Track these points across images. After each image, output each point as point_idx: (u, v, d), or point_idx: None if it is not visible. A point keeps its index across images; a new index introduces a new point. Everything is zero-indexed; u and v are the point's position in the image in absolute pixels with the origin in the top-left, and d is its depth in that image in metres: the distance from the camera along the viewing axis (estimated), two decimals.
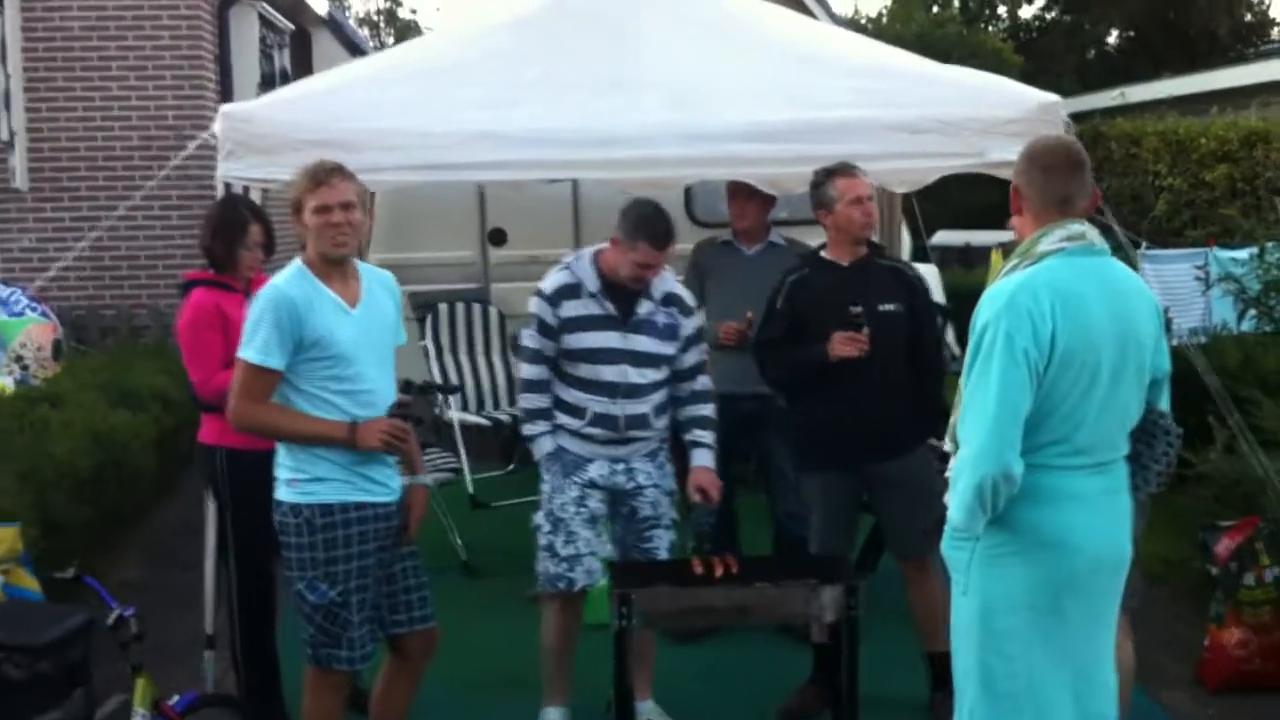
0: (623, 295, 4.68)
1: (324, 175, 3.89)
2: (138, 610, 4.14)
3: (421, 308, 8.39)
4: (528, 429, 4.76)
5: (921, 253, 12.08)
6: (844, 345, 4.78)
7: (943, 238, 15.25)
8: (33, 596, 5.11)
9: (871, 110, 5.44)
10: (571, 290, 4.68)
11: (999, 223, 14.64)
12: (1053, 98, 5.51)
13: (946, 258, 14.50)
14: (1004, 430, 3.19)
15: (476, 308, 8.76)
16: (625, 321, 4.68)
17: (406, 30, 34.06)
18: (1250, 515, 5.42)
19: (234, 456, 4.73)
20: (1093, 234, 3.43)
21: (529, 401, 4.74)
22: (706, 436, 4.85)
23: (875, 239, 5.22)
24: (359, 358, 3.90)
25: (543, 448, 4.72)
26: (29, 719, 4.18)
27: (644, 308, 4.71)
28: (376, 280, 4.08)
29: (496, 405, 8.54)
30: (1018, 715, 3.37)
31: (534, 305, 4.71)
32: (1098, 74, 25.62)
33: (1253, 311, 7.99)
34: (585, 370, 4.67)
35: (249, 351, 3.85)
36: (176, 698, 4.28)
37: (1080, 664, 3.41)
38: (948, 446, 3.41)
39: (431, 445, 8.12)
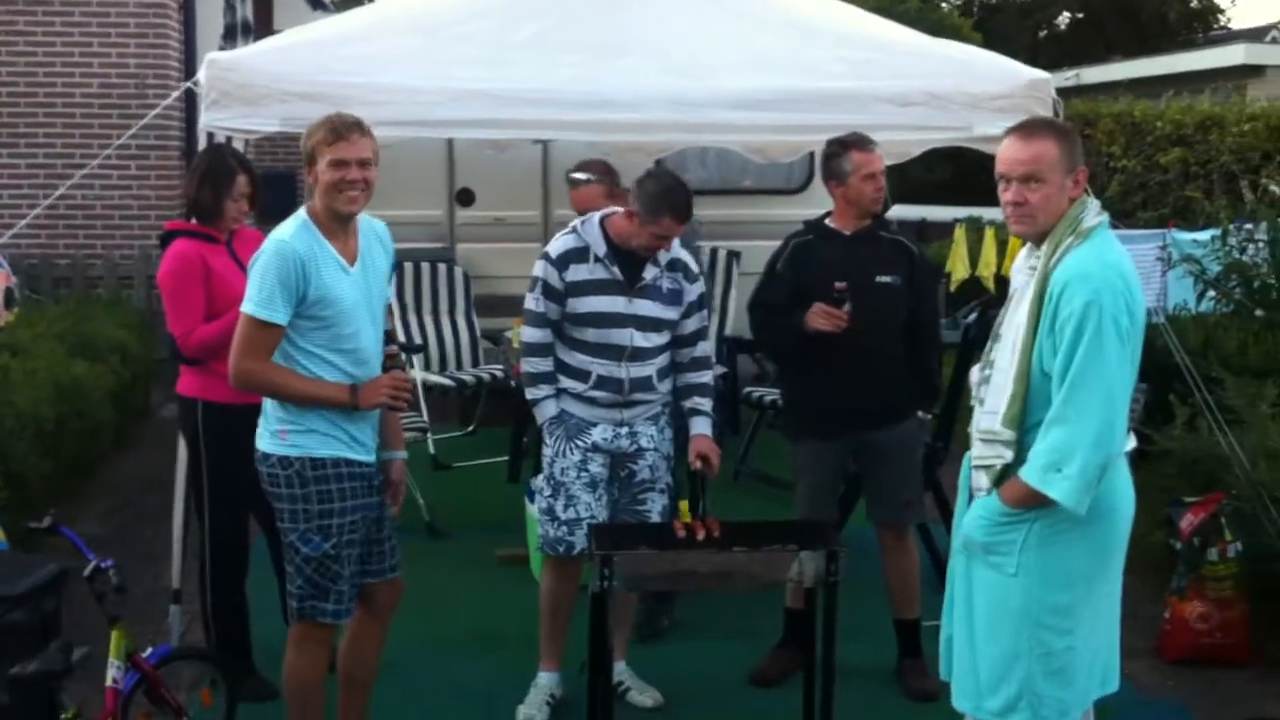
0: (629, 260, 4.68)
1: (344, 129, 3.80)
2: (116, 562, 4.11)
3: None
4: (531, 393, 4.73)
5: None
6: (820, 319, 4.80)
7: (899, 212, 15.32)
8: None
9: (861, 81, 5.47)
10: (579, 254, 4.67)
11: (955, 199, 14.81)
12: (1043, 75, 5.55)
13: (902, 232, 14.57)
14: (1121, 410, 3.26)
15: (442, 267, 8.73)
16: (631, 286, 4.68)
17: None
18: (1213, 491, 5.53)
19: (213, 409, 4.70)
20: None
21: (532, 365, 4.72)
22: (705, 404, 4.87)
23: None
24: (356, 316, 3.86)
25: (546, 411, 4.71)
26: (4, 669, 4.13)
27: (650, 273, 4.71)
28: (373, 232, 4.03)
29: (460, 366, 8.54)
30: (1074, 685, 3.43)
31: (539, 269, 4.68)
32: (1051, 55, 25.83)
33: (1212, 292, 8.13)
34: (591, 334, 4.67)
35: (252, 306, 3.75)
36: (150, 650, 4.26)
37: (1111, 623, 3.51)
38: (1004, 434, 3.37)
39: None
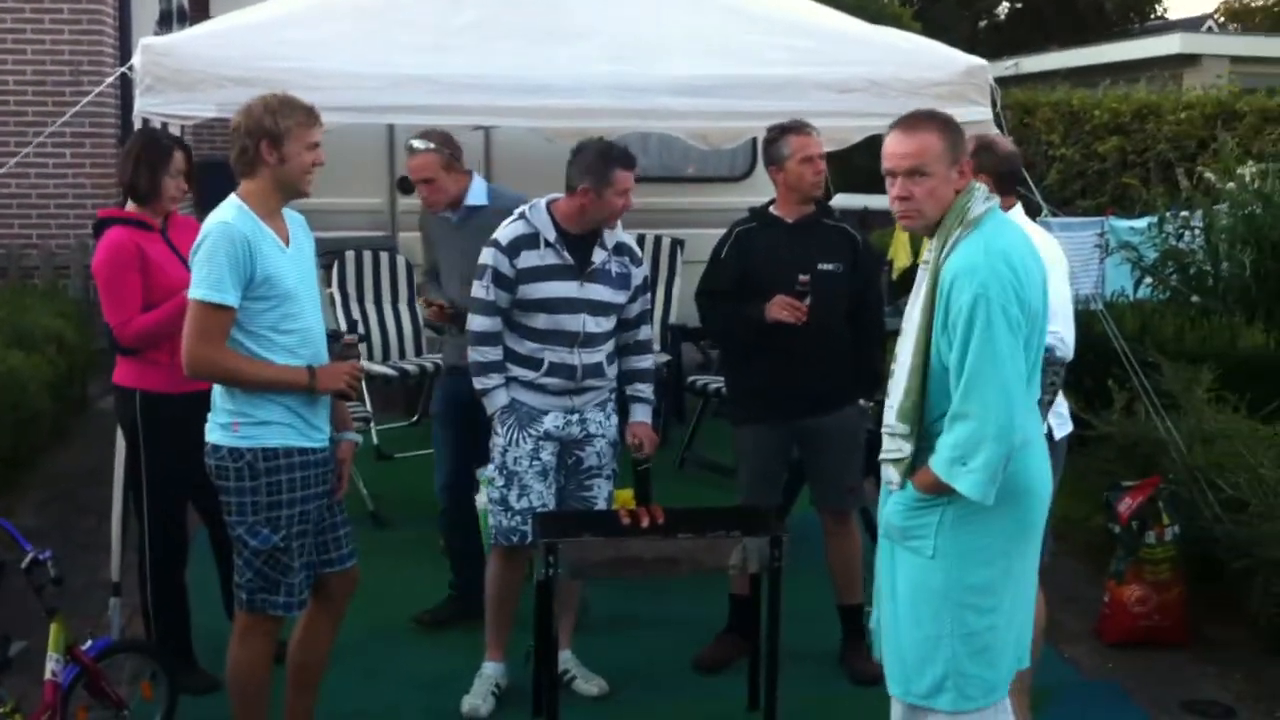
0: (578, 245, 4.67)
1: (316, 113, 3.86)
2: (54, 553, 4.05)
3: (327, 255, 8.26)
4: (481, 382, 4.68)
5: None
6: (782, 310, 4.80)
7: (841, 200, 15.39)
8: None
9: (802, 68, 5.48)
10: (529, 240, 4.64)
11: None
12: (979, 61, 5.59)
13: (845, 220, 14.64)
14: (1017, 401, 3.27)
15: (384, 256, 8.66)
16: (582, 271, 4.67)
17: None
18: (1151, 475, 5.60)
19: (150, 399, 4.65)
20: None
21: (482, 354, 4.67)
22: (646, 390, 4.90)
23: None
24: (300, 296, 3.85)
25: (497, 401, 4.67)
26: None
27: (599, 257, 4.71)
28: (295, 222, 4.02)
29: (403, 355, 8.48)
30: (998, 665, 3.45)
31: (488, 256, 4.64)
32: (990, 45, 26.05)
33: (1149, 279, 8.24)
34: (543, 320, 4.65)
35: (201, 290, 3.70)
36: (90, 642, 4.19)
37: (1029, 602, 3.55)
38: (899, 427, 3.40)
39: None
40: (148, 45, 5.23)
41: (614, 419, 4.86)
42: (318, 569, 4.03)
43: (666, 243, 8.86)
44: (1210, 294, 7.94)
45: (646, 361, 4.94)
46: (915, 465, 3.41)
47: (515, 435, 4.69)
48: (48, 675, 3.92)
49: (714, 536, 4.42)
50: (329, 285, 8.15)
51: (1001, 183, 4.27)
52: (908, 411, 3.37)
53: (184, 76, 5.15)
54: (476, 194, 5.18)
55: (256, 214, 3.81)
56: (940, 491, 3.37)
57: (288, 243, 3.89)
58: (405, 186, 8.99)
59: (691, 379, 8.12)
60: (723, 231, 5.15)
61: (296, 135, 3.79)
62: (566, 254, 4.64)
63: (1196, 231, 8.07)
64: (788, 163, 4.90)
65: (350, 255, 8.44)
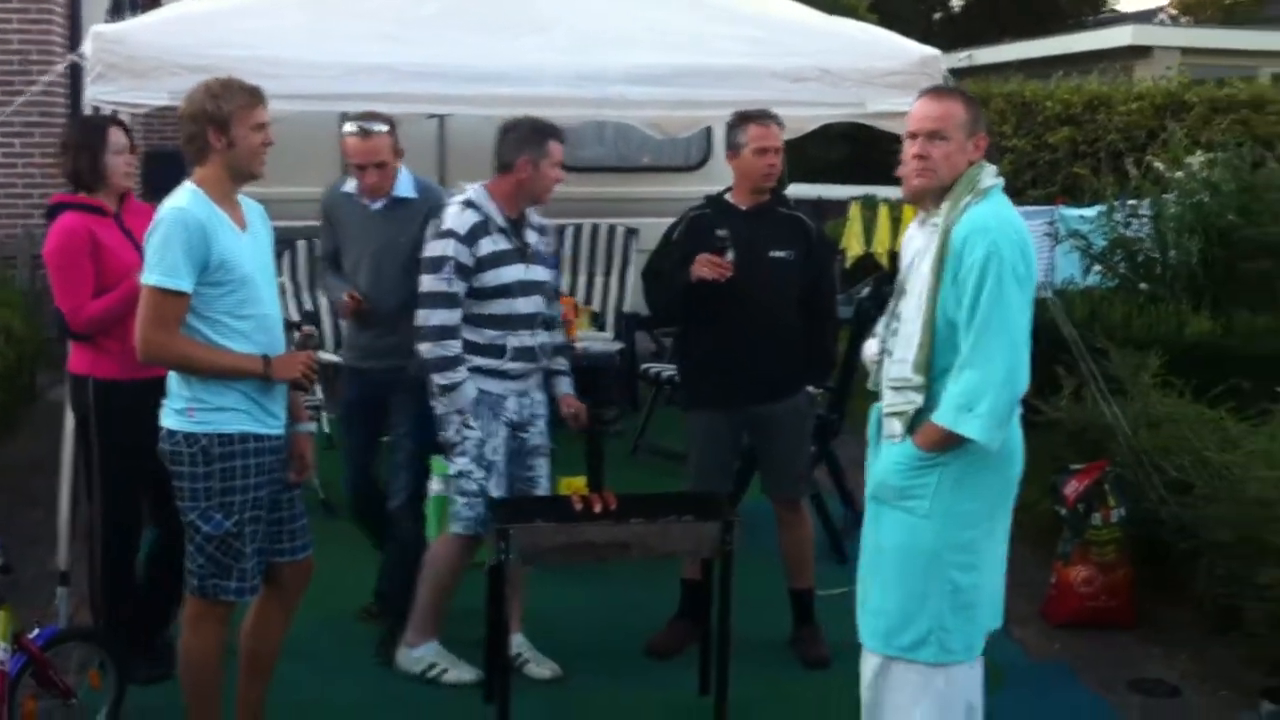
0: (516, 228, 4.72)
1: (260, 93, 3.84)
2: (4, 542, 4.03)
3: (280, 244, 8.20)
4: (450, 377, 4.63)
5: None
6: (704, 267, 4.80)
7: (796, 190, 15.47)
8: None
9: (757, 58, 5.50)
10: (483, 227, 4.65)
11: (851, 177, 14.97)
12: (933, 52, 5.63)
13: (799, 209, 14.72)
14: (1023, 352, 3.42)
15: None
16: (524, 253, 4.71)
17: None
18: (1098, 459, 5.68)
19: (103, 386, 4.62)
20: None
21: (447, 349, 4.62)
22: (564, 364, 5.03)
23: None
24: (256, 281, 3.84)
25: (468, 394, 4.65)
26: None
27: (531, 237, 4.78)
28: (253, 210, 4.01)
29: None
30: (977, 620, 3.60)
31: (447, 248, 4.60)
32: (946, 37, 26.18)
33: (1098, 267, 8.32)
34: (501, 306, 4.67)
35: (155, 276, 3.68)
36: (37, 631, 4.18)
37: (1002, 560, 3.68)
38: (913, 379, 3.50)
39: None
40: (99, 33, 5.19)
41: (544, 395, 4.93)
42: (271, 558, 4.03)
43: (621, 232, 8.87)
44: (1158, 281, 8.02)
45: (560, 336, 5.04)
46: (917, 423, 3.52)
47: (492, 426, 4.71)
48: None
49: (666, 521, 4.45)
50: (280, 275, 8.10)
51: None
52: (922, 363, 3.48)
53: (136, 64, 5.12)
54: (405, 185, 5.06)
55: (211, 199, 3.79)
56: (942, 448, 3.48)
57: (244, 228, 3.88)
58: None
59: (645, 366, 8.15)
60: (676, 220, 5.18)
61: (241, 118, 3.78)
62: (514, 238, 4.66)
63: (1145, 220, 8.15)
64: (743, 151, 4.93)
65: (302, 245, 8.39)
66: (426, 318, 4.65)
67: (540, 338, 4.79)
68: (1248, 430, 5.54)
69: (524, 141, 4.68)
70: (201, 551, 3.87)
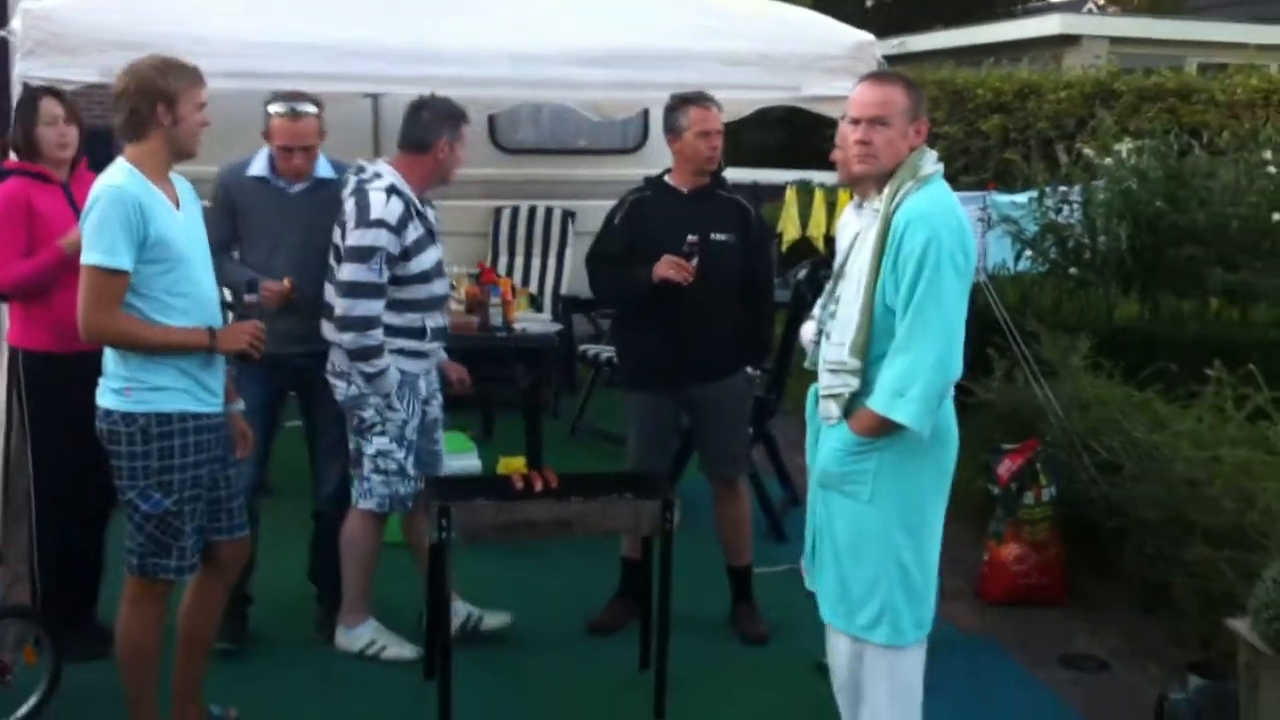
0: (422, 208, 4.76)
1: (201, 74, 3.86)
2: None
3: None
4: (375, 364, 4.60)
5: None
6: (669, 269, 4.84)
7: (733, 174, 15.51)
8: None
9: (696, 41, 5.56)
10: (408, 214, 4.63)
11: (787, 162, 15.06)
12: (867, 37, 5.70)
13: (737, 193, 14.78)
14: (957, 339, 3.46)
15: None
16: (434, 235, 4.76)
17: None
18: (1030, 439, 5.78)
19: (33, 358, 4.62)
20: None
21: (372, 338, 4.58)
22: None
23: None
24: (193, 259, 3.83)
25: (393, 379, 4.65)
26: None
27: (432, 215, 4.81)
28: (183, 187, 3.98)
29: None
30: (926, 600, 3.67)
31: (379, 239, 4.53)
32: (879, 24, 26.37)
33: (1029, 252, 8.45)
34: (422, 290, 4.69)
35: (95, 255, 3.66)
36: None
37: (938, 544, 3.73)
38: (850, 363, 3.54)
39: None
40: (28, 9, 5.14)
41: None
42: (209, 536, 4.02)
43: (558, 214, 8.88)
44: (1087, 267, 8.15)
45: None
46: (853, 407, 3.56)
47: (415, 406, 4.75)
48: None
49: (606, 500, 4.48)
50: None
51: None
52: (859, 347, 3.51)
53: (64, 41, 5.08)
54: (325, 166, 4.92)
55: (148, 177, 3.77)
56: (876, 433, 3.53)
57: (178, 205, 3.87)
58: None
59: (583, 348, 8.17)
60: (615, 203, 5.20)
61: (187, 95, 3.79)
62: (425, 220, 4.70)
63: (1075, 206, 8.28)
64: (685, 134, 4.94)
65: None
66: (351, 307, 4.58)
67: (447, 315, 4.90)
68: (1176, 412, 5.66)
69: (442, 122, 4.67)
70: (141, 530, 3.86)
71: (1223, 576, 4.70)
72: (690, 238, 4.86)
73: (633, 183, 5.31)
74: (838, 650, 3.80)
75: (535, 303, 8.16)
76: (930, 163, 3.58)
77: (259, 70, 5.22)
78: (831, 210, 9.75)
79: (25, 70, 5.05)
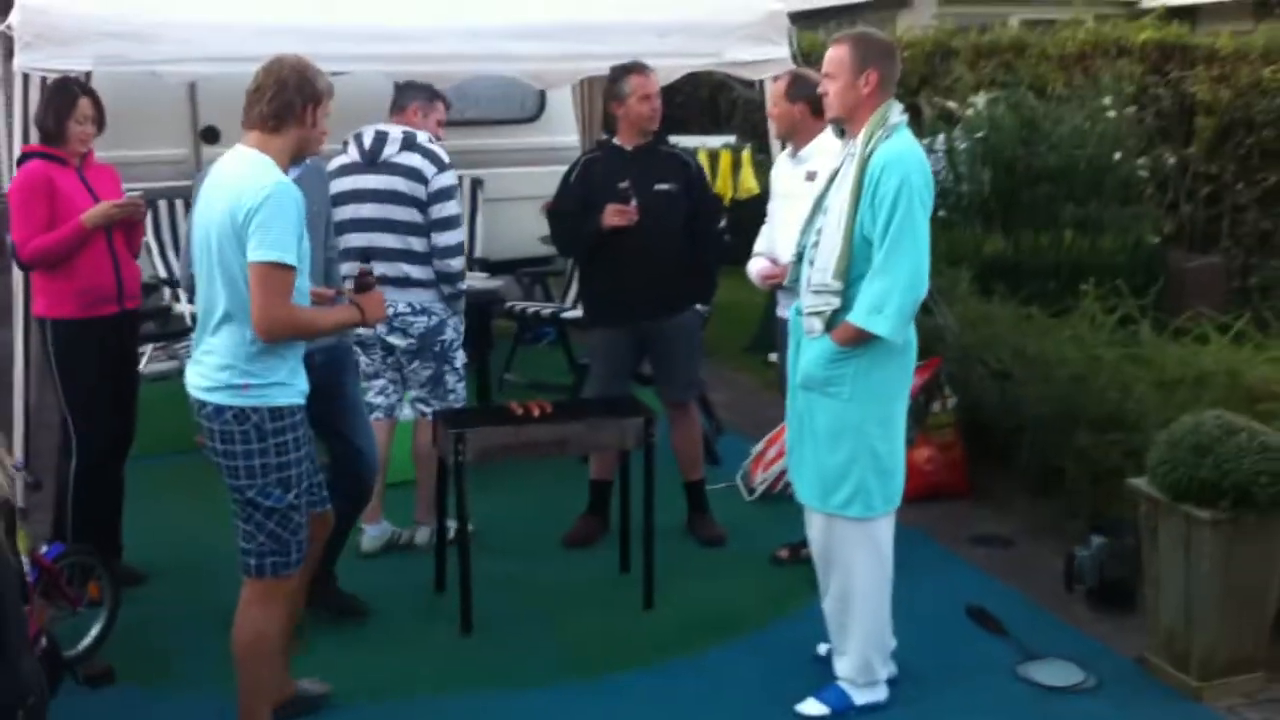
0: None
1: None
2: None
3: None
4: (461, 285, 5.60)
5: None
6: (614, 216, 5.50)
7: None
8: None
9: (627, 14, 6.17)
10: None
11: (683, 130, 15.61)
12: (779, 7, 6.37)
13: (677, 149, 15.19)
14: (925, 262, 4.12)
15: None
16: None
17: None
18: (933, 358, 6.57)
19: (61, 326, 5.07)
20: None
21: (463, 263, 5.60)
22: None
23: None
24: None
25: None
26: None
27: None
28: None
29: None
30: (894, 479, 4.34)
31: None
32: None
33: None
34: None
35: (275, 252, 3.62)
36: (46, 547, 4.58)
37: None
38: (832, 284, 4.15)
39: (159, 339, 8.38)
40: (24, 3, 5.48)
41: None
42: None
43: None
44: (954, 209, 9.00)
45: None
46: (834, 322, 4.19)
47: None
48: None
49: (595, 420, 5.13)
50: (144, 234, 8.35)
51: (814, 108, 5.06)
52: (841, 271, 4.13)
53: (58, 32, 5.45)
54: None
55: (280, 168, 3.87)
56: (855, 343, 4.16)
57: None
58: (209, 136, 9.28)
59: (509, 304, 8.71)
60: (517, 170, 5.86)
61: (325, 105, 3.90)
62: None
63: (939, 154, 9.07)
64: (629, 100, 5.57)
65: (163, 205, 8.67)
66: (455, 237, 5.51)
67: None
68: (1056, 324, 6.52)
69: (420, 96, 5.67)
70: (261, 529, 3.84)
71: (1108, 456, 5.55)
72: (620, 185, 5.50)
73: (533, 150, 5.94)
74: (814, 525, 4.47)
75: None
76: (896, 113, 4.21)
77: (236, 54, 5.57)
78: (737, 167, 10.18)
79: (25, 62, 5.43)
